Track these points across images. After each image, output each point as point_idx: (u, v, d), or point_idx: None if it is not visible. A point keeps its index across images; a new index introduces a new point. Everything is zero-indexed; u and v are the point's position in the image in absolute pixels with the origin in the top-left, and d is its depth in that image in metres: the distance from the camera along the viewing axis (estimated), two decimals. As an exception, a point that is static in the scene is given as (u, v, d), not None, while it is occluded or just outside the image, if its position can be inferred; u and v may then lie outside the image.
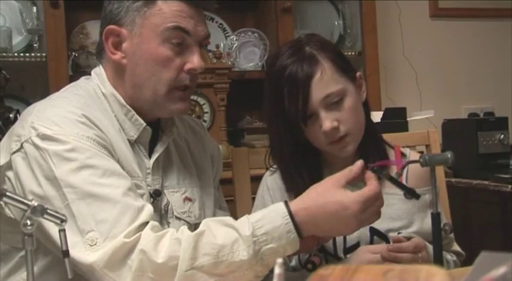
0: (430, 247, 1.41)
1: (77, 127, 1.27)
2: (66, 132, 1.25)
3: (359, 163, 1.27)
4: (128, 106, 1.38)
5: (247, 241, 1.18)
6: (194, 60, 1.36)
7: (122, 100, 1.38)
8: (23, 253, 1.30)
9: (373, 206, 1.23)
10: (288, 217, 1.20)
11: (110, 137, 1.32)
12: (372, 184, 1.24)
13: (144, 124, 1.38)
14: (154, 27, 1.33)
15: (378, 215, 1.26)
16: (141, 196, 1.32)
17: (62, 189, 1.21)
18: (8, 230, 1.32)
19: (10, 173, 1.29)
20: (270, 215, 1.22)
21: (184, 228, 1.23)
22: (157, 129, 1.45)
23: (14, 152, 1.28)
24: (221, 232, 1.20)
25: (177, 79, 1.36)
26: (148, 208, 1.25)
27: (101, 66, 1.43)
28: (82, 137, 1.26)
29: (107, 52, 1.37)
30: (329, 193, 1.23)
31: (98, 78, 1.41)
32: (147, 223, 1.21)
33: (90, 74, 1.45)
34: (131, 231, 1.18)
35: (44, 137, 1.25)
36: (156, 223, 1.24)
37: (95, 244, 1.17)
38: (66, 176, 1.22)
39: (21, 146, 1.27)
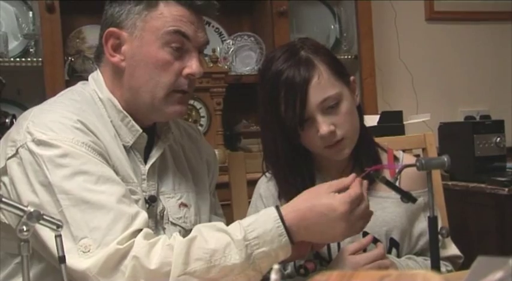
0: (401, 262, 1.44)
1: (72, 133, 1.27)
2: (61, 137, 1.25)
3: (352, 176, 1.29)
4: (125, 112, 1.37)
5: (239, 244, 1.19)
6: (193, 66, 1.36)
7: (119, 105, 1.38)
8: (18, 259, 1.30)
9: (358, 209, 1.24)
10: (279, 220, 1.21)
11: (105, 143, 1.32)
12: (355, 185, 1.26)
13: (140, 130, 1.38)
14: (154, 30, 1.33)
15: (365, 219, 1.28)
16: (136, 201, 1.32)
17: (56, 195, 1.21)
18: (2, 236, 1.31)
19: (5, 179, 1.29)
20: (261, 219, 1.23)
21: (177, 234, 1.23)
22: (153, 135, 1.45)
23: (9, 158, 1.28)
24: (213, 237, 1.20)
25: (175, 83, 1.36)
26: (143, 215, 1.25)
27: (98, 71, 1.43)
28: (77, 143, 1.25)
29: (106, 54, 1.37)
30: (318, 197, 1.25)
31: (95, 83, 1.41)
32: (140, 230, 1.22)
33: (87, 79, 1.45)
34: (124, 238, 1.18)
35: (39, 143, 1.24)
36: (150, 231, 1.24)
37: (88, 251, 1.18)
38: (60, 182, 1.22)
39: (17, 152, 1.26)
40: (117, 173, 1.30)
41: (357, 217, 1.24)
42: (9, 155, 1.28)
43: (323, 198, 1.24)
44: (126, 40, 1.35)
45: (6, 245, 1.31)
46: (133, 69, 1.35)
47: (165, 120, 1.45)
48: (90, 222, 1.19)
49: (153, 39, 1.33)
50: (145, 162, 1.41)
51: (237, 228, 1.22)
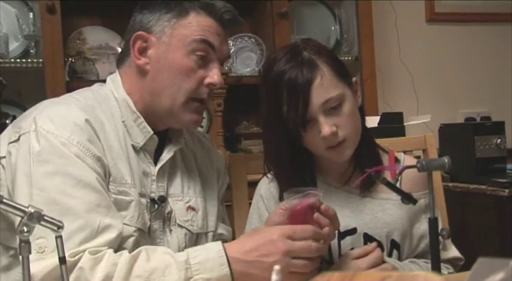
0: (404, 266, 1.44)
1: (70, 130, 1.28)
2: (58, 133, 1.27)
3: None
4: (138, 113, 1.40)
5: (179, 266, 1.21)
6: (215, 76, 1.40)
7: (133, 106, 1.41)
8: (12, 251, 1.31)
9: (302, 243, 1.24)
10: (223, 251, 1.24)
11: (104, 142, 1.33)
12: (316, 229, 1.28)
13: (152, 132, 1.40)
14: (182, 37, 1.37)
15: (307, 264, 1.25)
16: (129, 203, 1.33)
17: (32, 189, 1.23)
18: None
19: (3, 161, 1.32)
20: (207, 247, 1.27)
21: (124, 251, 1.24)
22: (165, 139, 1.47)
23: (10, 142, 1.31)
24: (157, 257, 1.23)
25: (196, 91, 1.39)
26: (111, 233, 1.25)
27: (117, 73, 1.46)
28: (72, 141, 1.27)
29: (132, 57, 1.41)
30: (262, 228, 1.31)
31: (112, 84, 1.44)
32: (101, 247, 1.23)
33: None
34: (78, 251, 1.20)
35: (37, 133, 1.27)
36: (101, 249, 1.23)
37: (42, 252, 1.19)
38: (40, 177, 1.24)
39: (19, 138, 1.30)
40: (109, 173, 1.32)
41: (298, 249, 1.24)
42: (12, 140, 1.31)
43: (266, 228, 1.29)
44: (153, 44, 1.39)
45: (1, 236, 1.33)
46: (157, 73, 1.39)
47: (180, 128, 1.48)
48: None
49: (179, 46, 1.37)
50: (156, 164, 1.43)
51: (183, 253, 1.25)
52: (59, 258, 0.99)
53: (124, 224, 1.30)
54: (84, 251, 1.21)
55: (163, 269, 1.20)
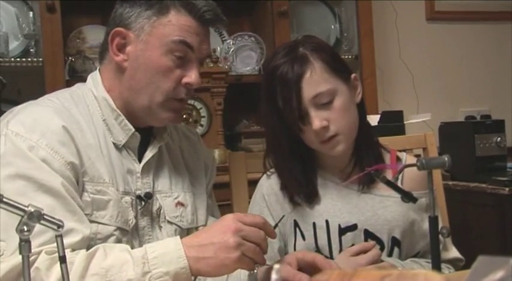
0: (406, 266, 1.44)
1: (40, 132, 1.27)
2: (27, 135, 1.26)
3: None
4: (118, 111, 1.39)
5: (137, 261, 1.19)
6: (192, 76, 1.38)
7: (113, 104, 1.39)
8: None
9: (252, 230, 1.22)
10: (180, 244, 1.22)
11: (83, 143, 1.32)
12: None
13: (133, 130, 1.39)
14: (160, 36, 1.35)
15: (257, 250, 1.22)
16: (107, 202, 1.32)
17: None
18: None
19: None
20: (165, 241, 1.25)
21: (82, 250, 1.23)
22: (150, 135, 1.46)
23: None
24: (114, 254, 1.21)
25: (174, 91, 1.38)
26: (74, 236, 1.24)
27: (97, 71, 1.45)
28: (40, 144, 1.26)
29: (110, 53, 1.39)
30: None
31: (93, 82, 1.43)
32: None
33: (85, 81, 1.46)
34: (36, 252, 1.18)
35: (5, 137, 1.26)
36: (53, 248, 1.21)
37: (1, 255, 1.17)
38: (1, 180, 1.22)
39: None
40: (86, 174, 1.31)
41: (248, 230, 1.21)
42: None
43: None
44: (131, 41, 1.37)
45: None
46: (135, 71, 1.37)
47: (158, 125, 1.46)
48: (12, 228, 1.09)
49: (157, 45, 1.35)
50: (141, 161, 1.42)
51: (141, 248, 1.23)
52: (59, 257, 0.99)
53: (103, 223, 1.30)
54: (41, 251, 1.18)
55: (121, 265, 1.19)
